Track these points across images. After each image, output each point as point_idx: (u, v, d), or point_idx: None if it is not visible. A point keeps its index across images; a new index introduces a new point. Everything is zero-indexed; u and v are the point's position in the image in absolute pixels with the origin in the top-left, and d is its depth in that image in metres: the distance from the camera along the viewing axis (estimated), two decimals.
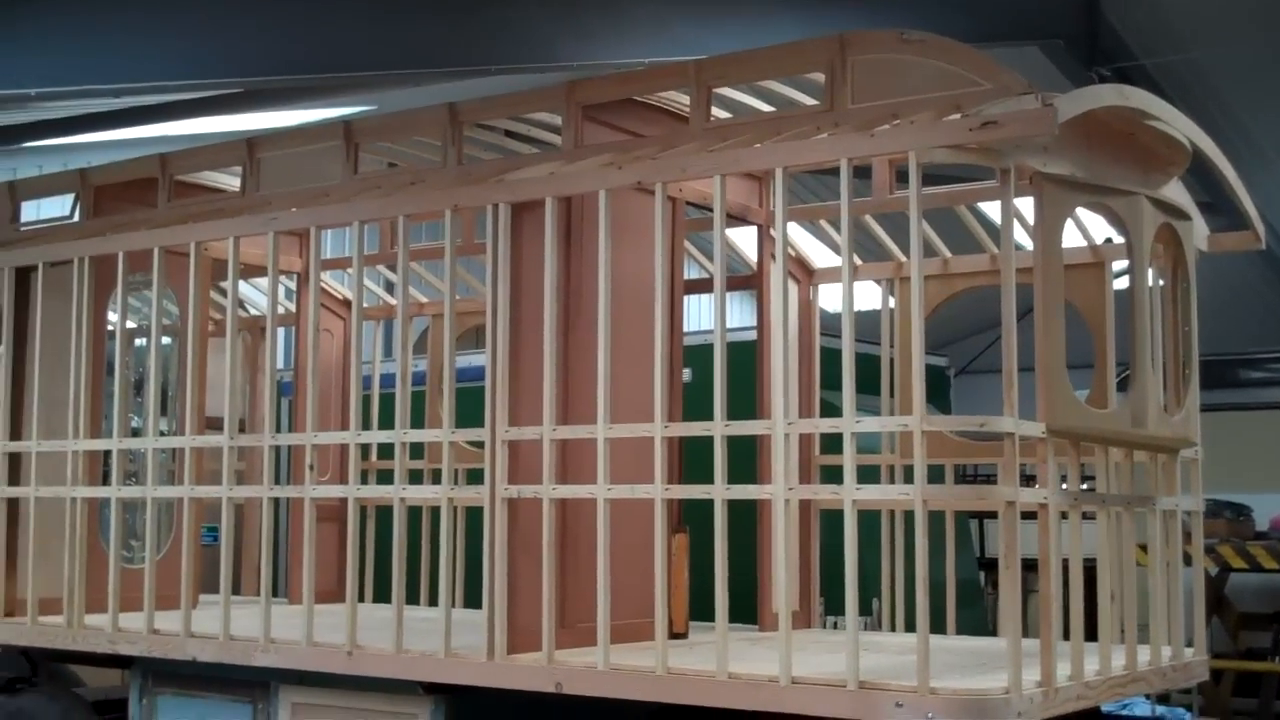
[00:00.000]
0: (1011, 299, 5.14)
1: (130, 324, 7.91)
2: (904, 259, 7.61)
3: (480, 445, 6.33)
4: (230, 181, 8.35)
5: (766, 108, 6.58)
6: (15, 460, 7.82)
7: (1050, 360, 5.30)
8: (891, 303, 7.68)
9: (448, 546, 6.27)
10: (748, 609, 7.04)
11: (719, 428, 5.48)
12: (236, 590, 7.39)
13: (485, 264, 8.50)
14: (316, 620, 6.53)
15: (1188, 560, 6.76)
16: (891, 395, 7.57)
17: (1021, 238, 5.81)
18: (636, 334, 6.10)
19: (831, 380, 7.64)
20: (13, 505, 7.82)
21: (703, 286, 8.21)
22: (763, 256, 7.37)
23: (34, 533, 7.54)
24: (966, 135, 5.08)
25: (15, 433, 7.88)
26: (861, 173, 6.36)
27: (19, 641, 7.82)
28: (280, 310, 8.21)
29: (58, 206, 9.14)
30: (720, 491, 5.45)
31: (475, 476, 6.68)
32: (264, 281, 9.33)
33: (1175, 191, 6.32)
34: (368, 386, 8.45)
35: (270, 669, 6.65)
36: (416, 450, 7.81)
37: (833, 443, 7.46)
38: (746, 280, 7.55)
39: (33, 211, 8.92)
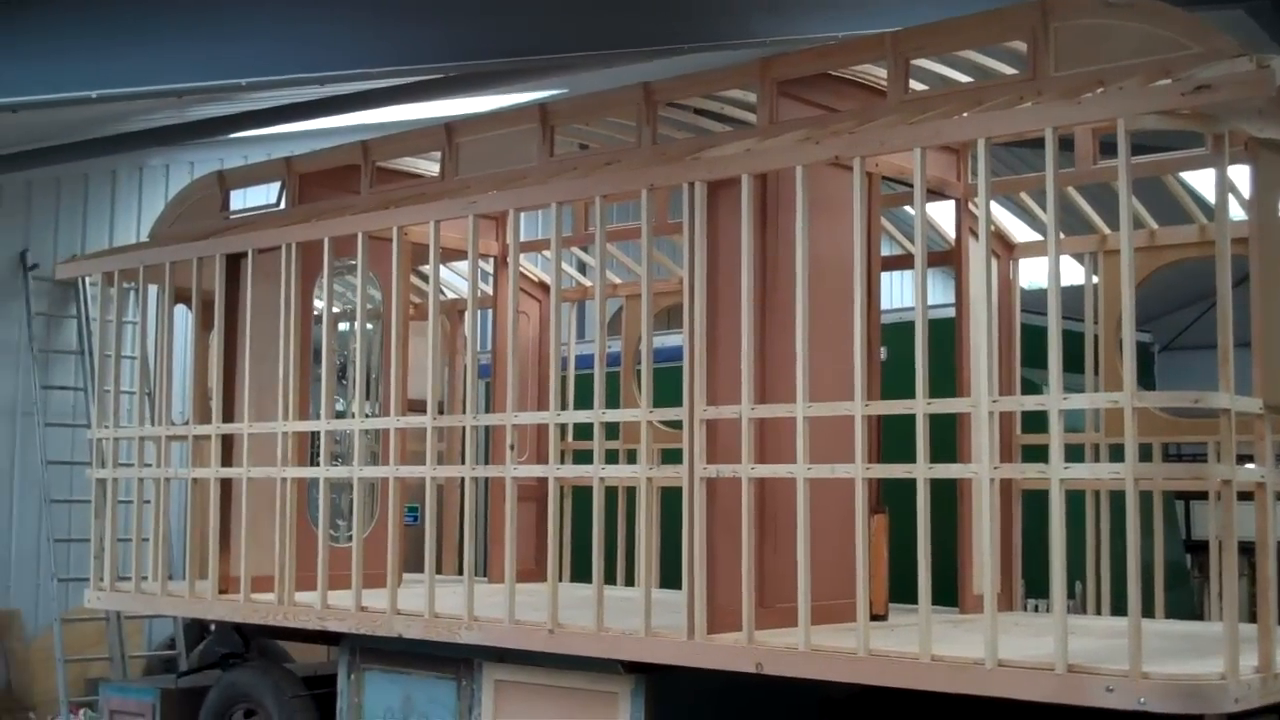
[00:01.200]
0: (1227, 271, 4.95)
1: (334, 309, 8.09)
2: (1108, 231, 7.41)
3: (675, 425, 6.33)
4: (428, 167, 8.51)
5: (964, 79, 6.45)
6: (228, 441, 8.07)
7: (1268, 333, 5.10)
8: (1094, 277, 7.48)
9: (646, 526, 6.28)
10: (948, 591, 6.93)
11: (921, 405, 5.38)
12: (436, 569, 7.52)
13: (676, 243, 8.53)
14: (516, 599, 6.62)
15: None
16: (1095, 373, 7.38)
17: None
18: (833, 312, 6.03)
19: (1031, 358, 7.48)
20: (226, 485, 8.08)
21: (898, 263, 8.12)
22: (961, 231, 7.24)
23: (246, 512, 7.78)
24: (1178, 100, 4.89)
25: (228, 415, 8.13)
26: (1060, 144, 6.19)
27: (233, 618, 8.08)
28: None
29: (262, 195, 9.42)
30: (923, 471, 5.36)
31: (669, 456, 6.69)
32: (460, 265, 9.51)
33: None
34: (563, 368, 8.52)
35: (474, 646, 6.76)
36: (611, 431, 7.86)
37: (1034, 422, 7.31)
38: (944, 256, 7.42)
39: (239, 200, 9.21)
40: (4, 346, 11.16)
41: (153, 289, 8.73)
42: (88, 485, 9.16)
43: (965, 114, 5.55)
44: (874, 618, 6.11)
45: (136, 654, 11.14)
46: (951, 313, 7.31)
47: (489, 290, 9.48)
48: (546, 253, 9.40)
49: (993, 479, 5.30)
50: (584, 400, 6.68)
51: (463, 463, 7.02)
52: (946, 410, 5.58)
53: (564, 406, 8.45)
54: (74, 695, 10.51)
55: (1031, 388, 7.76)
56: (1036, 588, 7.63)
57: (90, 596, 8.81)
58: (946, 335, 7.10)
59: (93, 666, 10.84)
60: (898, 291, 16.42)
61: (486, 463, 8.19)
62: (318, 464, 7.83)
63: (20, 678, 10.88)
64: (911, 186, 6.47)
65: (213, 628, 9.57)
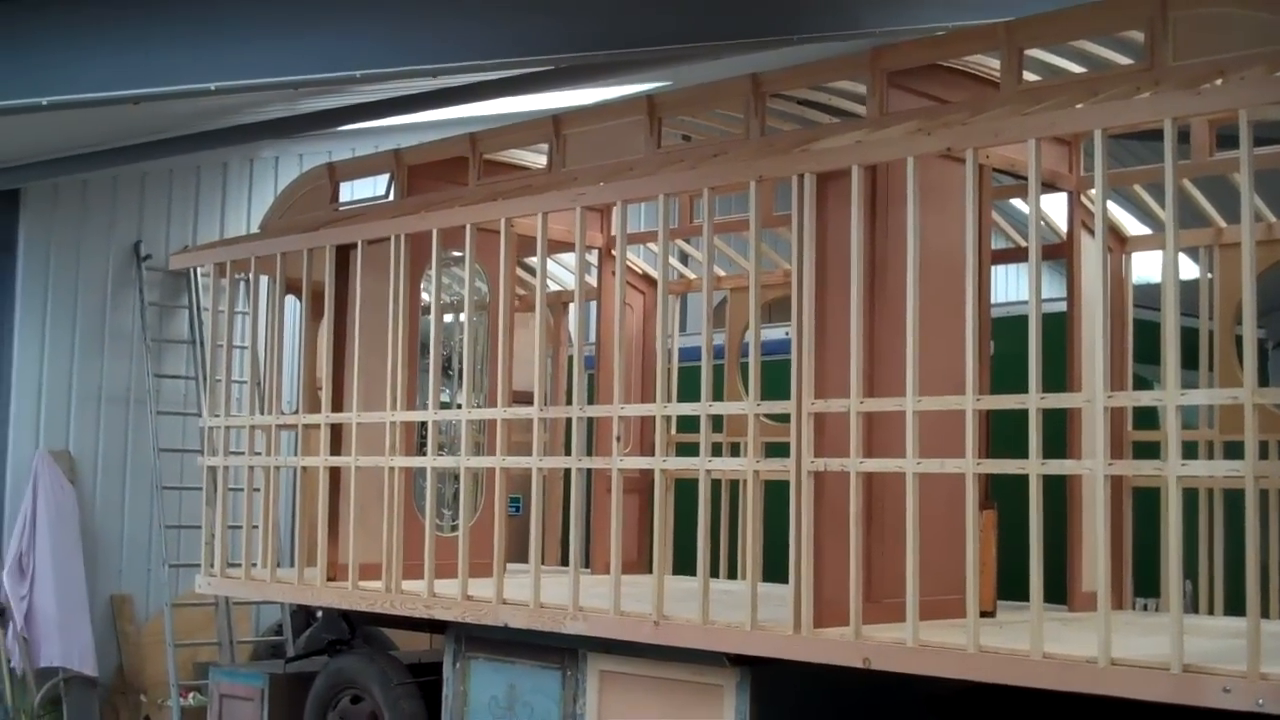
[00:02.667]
0: None
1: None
2: (1223, 224, 7.28)
3: (779, 419, 6.30)
4: (535, 159, 8.55)
5: (1078, 69, 6.36)
6: (337, 431, 8.17)
7: None
8: (1209, 273, 7.34)
9: (753, 520, 6.26)
10: (1056, 588, 6.84)
11: (1034, 400, 5.32)
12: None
13: (779, 235, 8.49)
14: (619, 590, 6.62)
15: None
16: (1210, 369, 7.25)
17: None
18: (942, 305, 5.98)
19: (1143, 354, 7.36)
20: (334, 474, 8.18)
21: (1008, 257, 8.04)
22: (1073, 224, 7.14)
23: (354, 501, 7.87)
24: None
25: (337, 404, 8.23)
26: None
27: (341, 604, 8.18)
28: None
29: (369, 187, 9.53)
30: (1035, 467, 5.29)
31: (773, 450, 6.67)
32: (564, 258, 9.55)
33: None
34: (667, 360, 8.52)
35: (579, 637, 6.79)
36: (714, 424, 7.85)
37: (1145, 418, 7.20)
38: (1055, 249, 7.32)
39: (347, 192, 9.32)
40: (118, 335, 11.38)
41: (263, 279, 8.86)
42: (198, 473, 9.32)
43: (1081, 105, 5.47)
44: (982, 614, 6.05)
45: (244, 639, 11.31)
46: (1062, 307, 7.21)
47: (592, 283, 9.50)
48: (650, 245, 9.41)
49: (1108, 475, 5.21)
50: (686, 393, 6.67)
51: (567, 454, 7.04)
52: (1060, 405, 5.51)
53: (669, 399, 8.45)
54: (183, 679, 10.69)
55: (1142, 383, 7.65)
56: (1144, 586, 7.52)
57: (201, 582, 8.96)
58: (1057, 330, 7.01)
59: (201, 651, 11.03)
60: (1002, 286, 16.21)
61: (589, 455, 8.21)
62: (424, 454, 7.90)
63: (132, 661, 11.10)
64: (1021, 179, 6.41)
65: (319, 614, 9.70)
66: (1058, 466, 5.40)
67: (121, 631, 11.14)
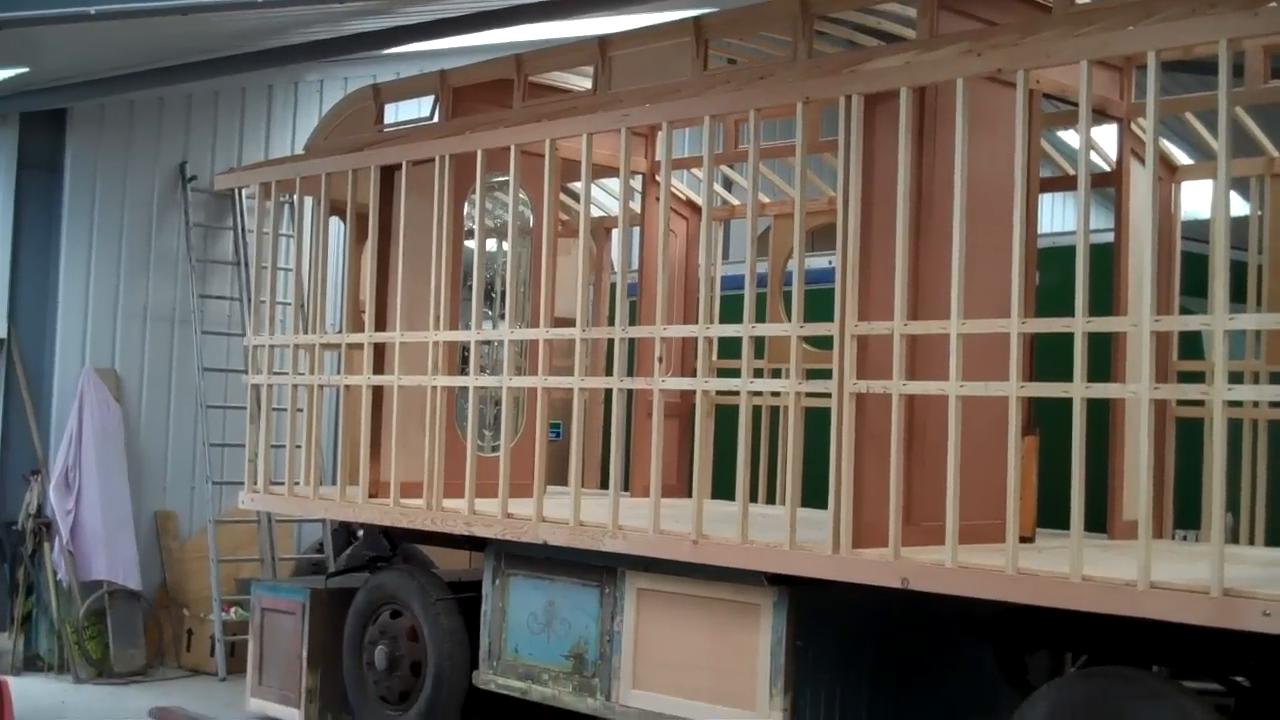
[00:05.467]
0: None
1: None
2: (1275, 154, 7.20)
3: (822, 345, 6.28)
4: (580, 83, 8.52)
5: None
6: (380, 351, 8.22)
7: None
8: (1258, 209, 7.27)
9: (794, 440, 6.27)
10: (1097, 517, 6.84)
11: (1079, 324, 5.29)
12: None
13: (824, 162, 8.44)
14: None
15: None
16: (1259, 303, 7.20)
17: None
18: (988, 231, 5.94)
19: (1190, 286, 7.30)
20: (377, 393, 8.23)
21: (1056, 185, 7.97)
22: (1122, 153, 7.07)
23: (397, 419, 7.92)
24: None
25: (380, 324, 8.27)
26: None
27: (383, 521, 8.26)
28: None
29: (414, 109, 9.52)
30: (1080, 390, 5.27)
31: (814, 376, 6.67)
32: (607, 184, 9.54)
33: None
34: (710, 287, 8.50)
35: (618, 555, 6.84)
36: (756, 352, 7.86)
37: (1190, 348, 7.16)
38: (1104, 178, 7.25)
39: (392, 115, 9.31)
40: (163, 256, 11.44)
41: (308, 201, 8.88)
42: (242, 392, 9.39)
43: (1136, 26, 5.40)
44: (1021, 540, 6.04)
45: (286, 556, 11.43)
46: (1109, 238, 7.16)
47: (636, 209, 9.48)
48: (695, 171, 9.38)
49: (1151, 400, 5.19)
50: (728, 322, 6.67)
51: (609, 376, 7.05)
52: (1106, 329, 5.48)
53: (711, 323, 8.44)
54: (225, 594, 10.83)
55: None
56: (1184, 518, 7.51)
57: (244, 498, 9.06)
58: (1104, 260, 6.96)
59: (244, 567, 11.16)
60: (1047, 217, 16.04)
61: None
62: (467, 374, 7.93)
63: (175, 576, 11.24)
64: (1072, 105, 6.35)
65: (359, 533, 9.80)
66: (1102, 390, 5.38)
67: (165, 547, 11.29)
